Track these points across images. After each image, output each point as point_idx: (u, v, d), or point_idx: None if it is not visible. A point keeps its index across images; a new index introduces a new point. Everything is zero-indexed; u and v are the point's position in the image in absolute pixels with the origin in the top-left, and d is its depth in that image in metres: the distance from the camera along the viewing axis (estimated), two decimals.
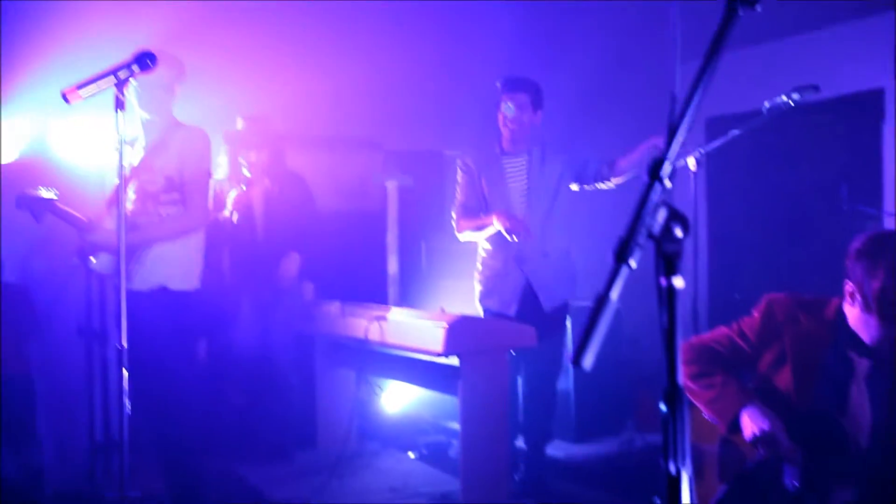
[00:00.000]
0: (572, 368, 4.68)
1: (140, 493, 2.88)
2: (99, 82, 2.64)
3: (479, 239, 4.23)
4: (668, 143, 1.17)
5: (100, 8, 3.98)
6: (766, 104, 3.62)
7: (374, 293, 5.43)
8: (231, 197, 4.86)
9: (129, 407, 2.74)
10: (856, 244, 2.26)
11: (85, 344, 4.83)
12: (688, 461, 1.12)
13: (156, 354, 3.26)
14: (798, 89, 3.56)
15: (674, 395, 1.13)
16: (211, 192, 3.74)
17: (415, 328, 3.98)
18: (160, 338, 3.32)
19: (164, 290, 3.43)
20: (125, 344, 2.69)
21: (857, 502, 2.23)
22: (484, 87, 4.46)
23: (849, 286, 2.27)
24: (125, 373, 2.71)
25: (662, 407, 1.13)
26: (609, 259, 1.10)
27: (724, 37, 1.21)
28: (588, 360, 1.06)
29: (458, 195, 4.28)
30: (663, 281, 1.13)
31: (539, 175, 4.11)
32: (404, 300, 5.64)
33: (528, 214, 4.07)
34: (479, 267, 4.26)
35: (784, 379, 2.36)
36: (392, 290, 5.89)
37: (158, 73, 3.10)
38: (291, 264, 4.69)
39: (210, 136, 3.55)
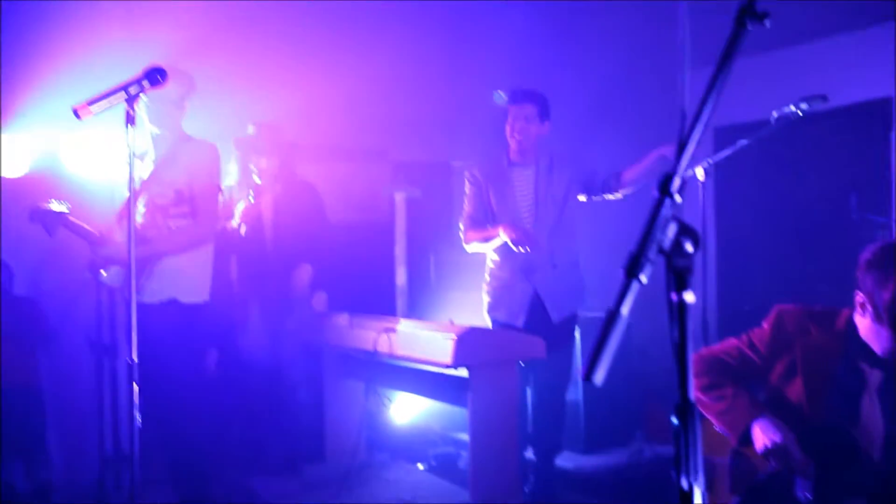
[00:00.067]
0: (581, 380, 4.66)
1: None
2: (110, 98, 2.66)
3: (486, 250, 4.23)
4: (678, 159, 1.18)
5: (110, 20, 3.99)
6: (775, 114, 3.62)
7: (382, 305, 5.43)
8: (239, 209, 4.87)
9: (140, 420, 2.75)
10: (866, 254, 2.25)
11: (95, 357, 4.84)
12: (700, 475, 1.12)
13: (166, 367, 3.28)
14: (806, 99, 3.55)
15: (686, 410, 1.13)
16: (220, 204, 3.76)
17: (423, 340, 3.98)
18: (170, 350, 3.34)
19: (174, 303, 3.45)
20: (136, 358, 2.69)
21: None
22: (492, 98, 4.47)
23: (859, 297, 2.26)
24: (135, 387, 2.72)
25: (674, 421, 1.14)
26: (619, 274, 1.10)
27: (733, 51, 1.22)
28: (599, 376, 1.06)
29: (466, 206, 4.28)
30: (674, 296, 1.13)
31: (547, 186, 4.11)
32: (413, 312, 5.65)
33: (536, 225, 4.07)
34: (487, 278, 4.26)
35: (795, 391, 2.35)
36: (400, 302, 5.89)
37: (168, 89, 3.13)
38: (304, 275, 4.68)
39: (220, 145, 3.57)
